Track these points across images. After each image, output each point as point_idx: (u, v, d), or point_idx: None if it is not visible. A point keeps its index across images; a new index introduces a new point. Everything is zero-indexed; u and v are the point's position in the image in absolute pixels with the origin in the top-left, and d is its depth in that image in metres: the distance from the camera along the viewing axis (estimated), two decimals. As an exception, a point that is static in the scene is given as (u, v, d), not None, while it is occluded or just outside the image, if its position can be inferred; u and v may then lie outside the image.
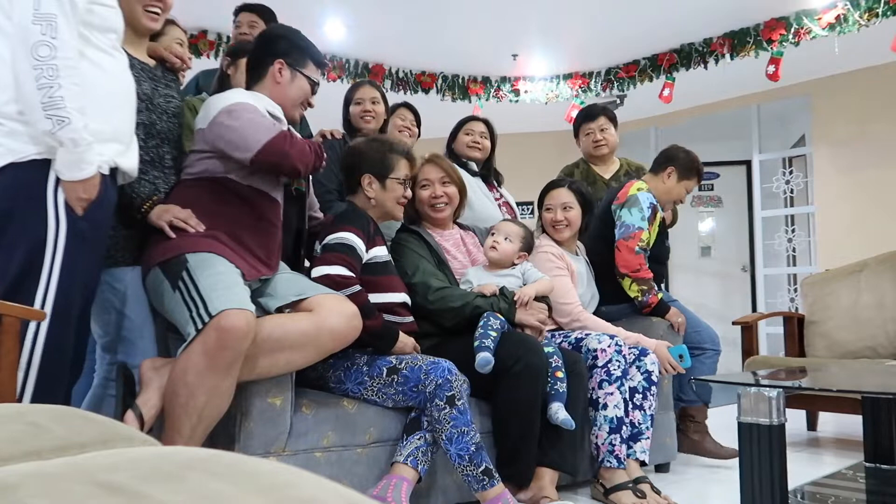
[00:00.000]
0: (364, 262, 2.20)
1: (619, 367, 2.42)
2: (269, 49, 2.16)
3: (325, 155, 2.12)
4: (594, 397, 2.42)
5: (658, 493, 2.29)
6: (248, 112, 1.97)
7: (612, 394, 2.40)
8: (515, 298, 2.37)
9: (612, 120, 3.41)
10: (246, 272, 1.89)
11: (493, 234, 2.57)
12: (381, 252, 2.27)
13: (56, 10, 1.59)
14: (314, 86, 2.20)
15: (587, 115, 3.44)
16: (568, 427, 2.17)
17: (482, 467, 1.94)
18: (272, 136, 1.93)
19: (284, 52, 2.14)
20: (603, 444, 2.37)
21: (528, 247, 2.59)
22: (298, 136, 2.10)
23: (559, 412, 2.17)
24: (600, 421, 2.39)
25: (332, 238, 2.17)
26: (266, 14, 3.15)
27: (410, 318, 2.29)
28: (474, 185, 2.90)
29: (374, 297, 2.15)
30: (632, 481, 2.32)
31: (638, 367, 2.52)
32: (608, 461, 2.35)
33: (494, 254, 2.51)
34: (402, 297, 2.27)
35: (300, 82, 2.16)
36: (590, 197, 2.86)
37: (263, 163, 1.95)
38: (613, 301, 2.91)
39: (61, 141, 1.59)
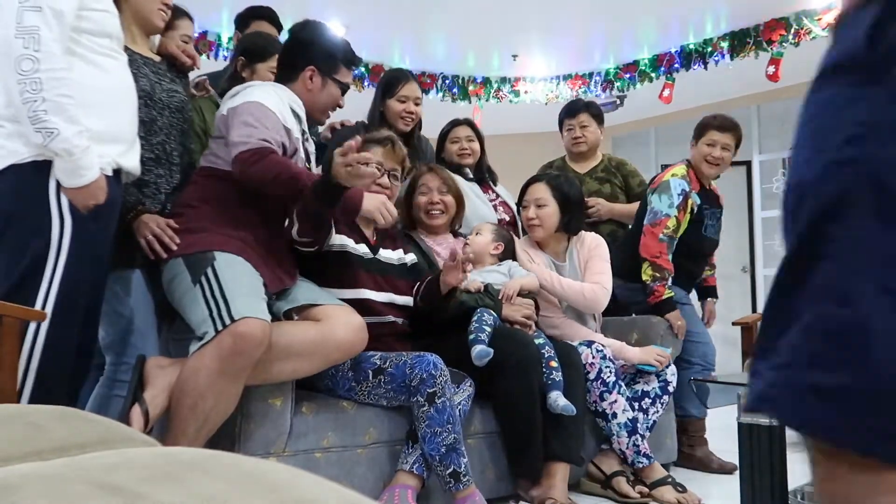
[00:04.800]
0: (359, 254, 2.20)
1: (610, 372, 2.40)
2: (301, 53, 2.11)
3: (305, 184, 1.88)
4: (601, 410, 2.41)
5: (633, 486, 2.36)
6: (248, 114, 1.91)
7: (615, 401, 2.39)
8: (500, 295, 2.38)
9: (596, 117, 3.30)
10: (269, 282, 1.88)
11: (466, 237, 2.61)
12: (394, 255, 2.30)
13: (38, 21, 1.57)
14: (345, 89, 2.18)
15: (569, 110, 3.33)
16: (569, 413, 2.16)
17: (450, 469, 1.93)
18: (246, 147, 1.84)
19: (316, 58, 2.10)
20: (627, 448, 2.39)
21: (501, 236, 2.57)
22: (290, 162, 1.93)
23: (558, 399, 2.17)
24: (615, 430, 2.39)
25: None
26: (274, 20, 3.03)
27: (391, 318, 2.23)
28: (467, 190, 2.91)
29: (353, 294, 2.13)
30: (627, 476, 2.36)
31: (658, 374, 2.56)
32: (639, 462, 2.38)
33: (468, 249, 2.51)
34: (387, 296, 2.23)
35: (331, 89, 2.13)
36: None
37: (239, 175, 1.87)
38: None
39: (55, 151, 1.60)
